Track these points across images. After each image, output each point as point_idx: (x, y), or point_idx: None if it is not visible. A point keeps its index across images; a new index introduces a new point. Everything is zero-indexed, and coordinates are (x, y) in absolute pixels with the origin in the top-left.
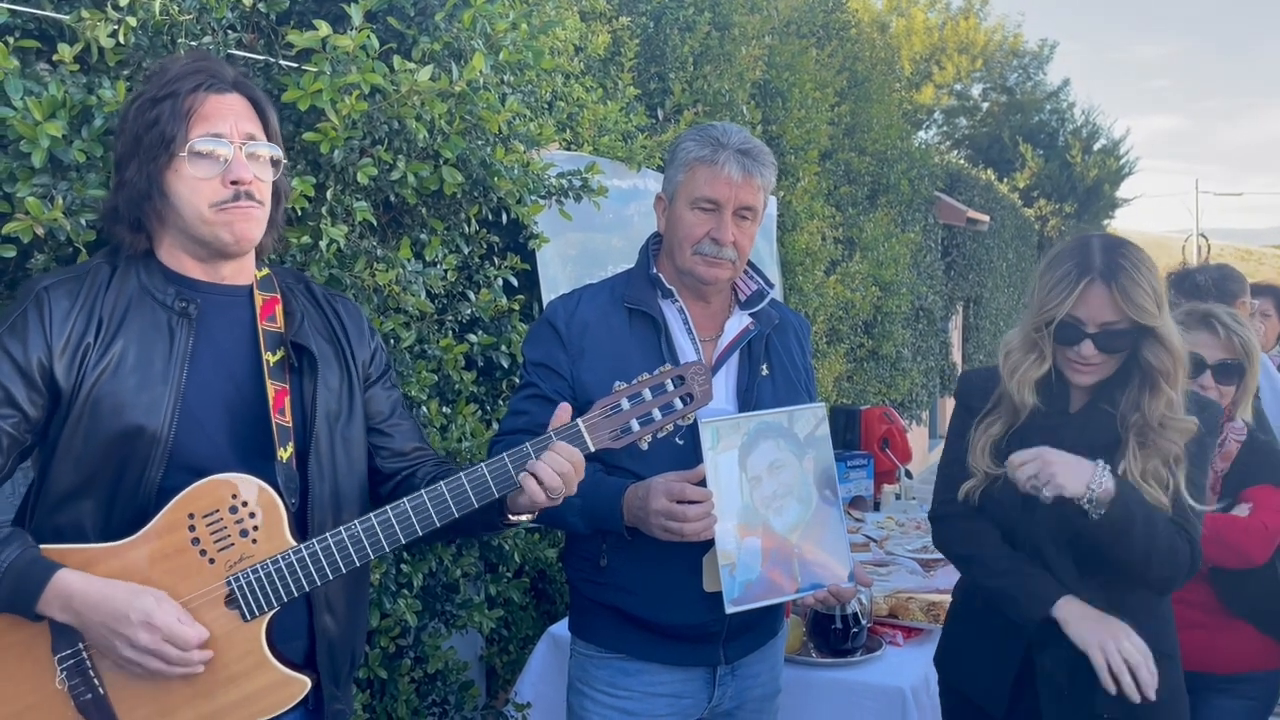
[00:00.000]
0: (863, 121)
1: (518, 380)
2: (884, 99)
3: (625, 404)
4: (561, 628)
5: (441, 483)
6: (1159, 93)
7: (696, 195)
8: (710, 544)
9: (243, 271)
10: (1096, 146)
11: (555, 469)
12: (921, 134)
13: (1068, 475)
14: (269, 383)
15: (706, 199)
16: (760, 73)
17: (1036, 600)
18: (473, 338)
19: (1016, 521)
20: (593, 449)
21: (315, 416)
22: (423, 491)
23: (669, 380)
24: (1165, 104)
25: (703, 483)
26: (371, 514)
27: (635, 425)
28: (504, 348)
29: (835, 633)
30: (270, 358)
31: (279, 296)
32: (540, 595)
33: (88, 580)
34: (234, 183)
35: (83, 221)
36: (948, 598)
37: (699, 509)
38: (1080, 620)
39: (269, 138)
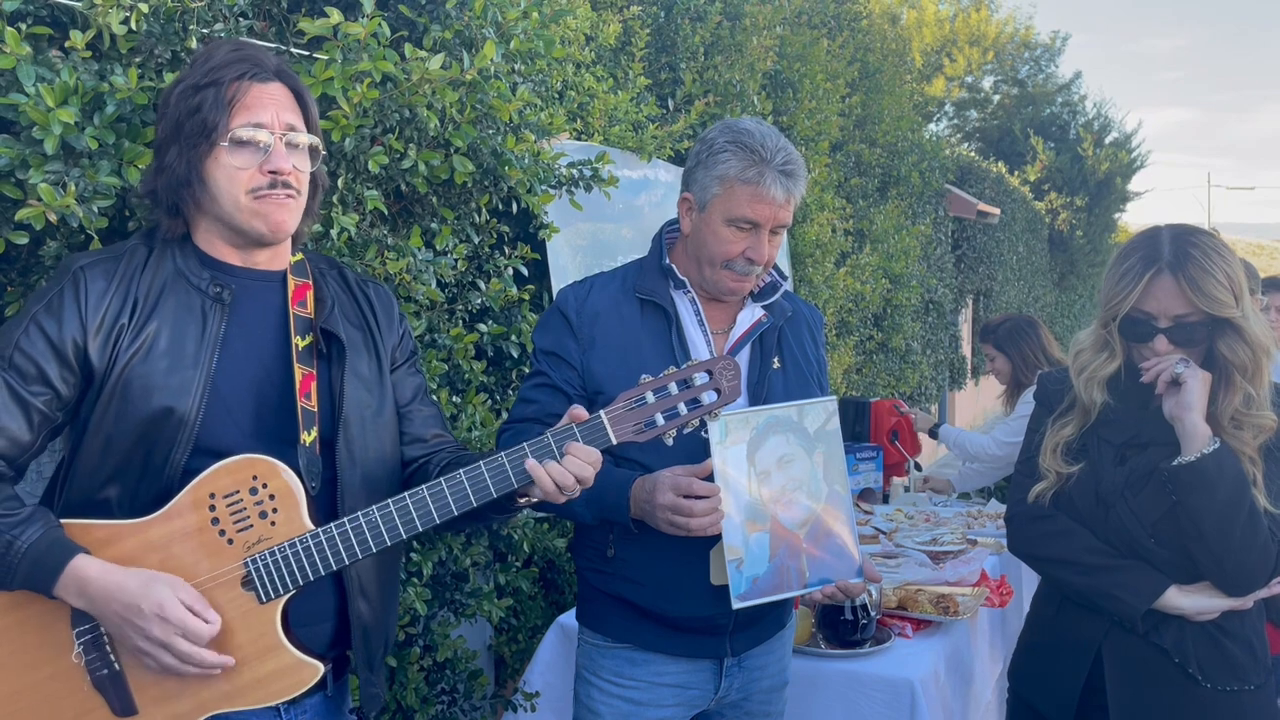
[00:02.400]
0: (873, 113)
1: (527, 370)
2: (895, 91)
3: (650, 397)
4: (570, 617)
5: (460, 471)
6: (1171, 85)
7: (736, 215)
8: (718, 537)
9: (278, 257)
10: (1108, 139)
11: (573, 471)
12: (932, 126)
13: (1198, 413)
14: (296, 367)
15: (746, 219)
16: (771, 63)
17: (1139, 594)
18: (483, 327)
19: (1094, 521)
20: (615, 442)
21: (344, 403)
22: (441, 480)
23: (696, 374)
24: (1177, 97)
25: (710, 477)
26: (390, 500)
27: (660, 419)
28: (514, 337)
29: (844, 624)
30: (299, 342)
31: (311, 282)
32: (549, 585)
33: (104, 569)
34: (272, 172)
35: (95, 208)
36: (957, 590)
37: (705, 504)
38: (1196, 593)
39: (309, 127)
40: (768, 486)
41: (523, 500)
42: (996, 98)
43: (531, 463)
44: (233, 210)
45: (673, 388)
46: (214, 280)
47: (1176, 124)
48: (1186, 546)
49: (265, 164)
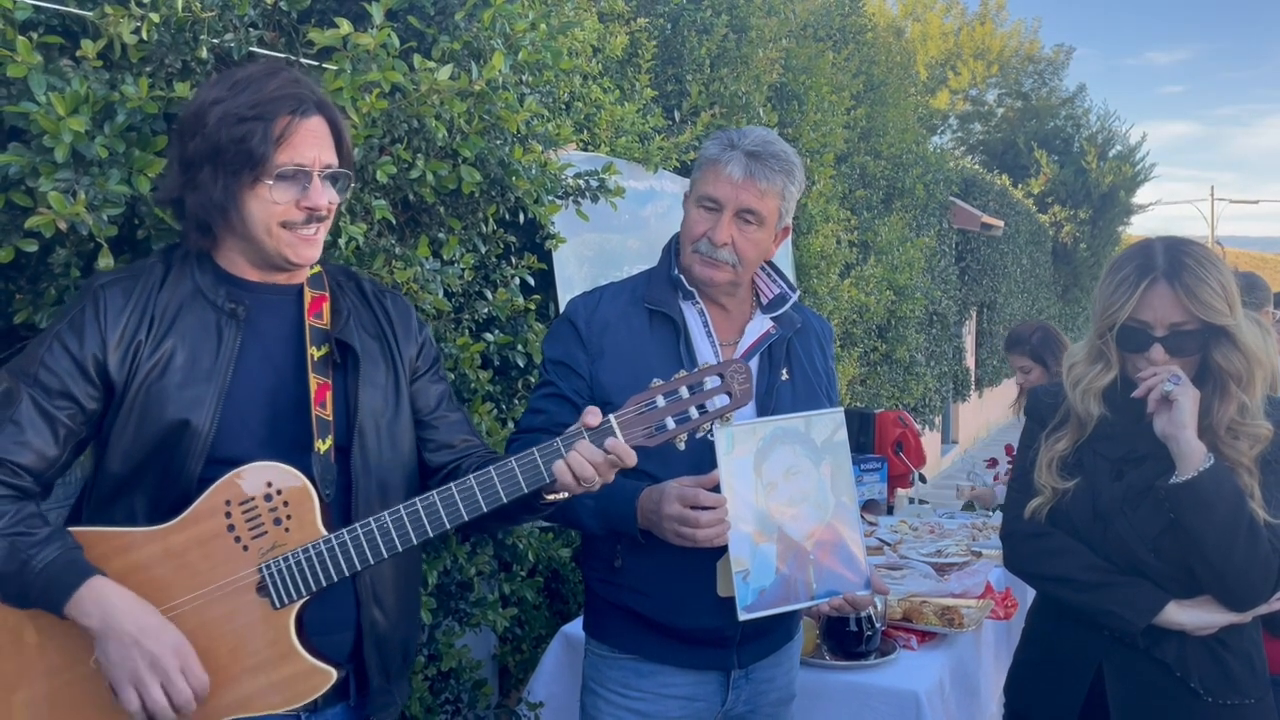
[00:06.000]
0: (878, 125)
1: (533, 379)
2: (900, 103)
3: (660, 401)
4: (574, 627)
5: (471, 476)
6: (1173, 99)
7: (701, 194)
8: (726, 548)
9: (296, 274)
10: (1112, 153)
11: (588, 457)
12: (936, 139)
13: (1191, 430)
14: (311, 376)
15: (709, 197)
16: (777, 75)
17: (1138, 610)
18: (489, 337)
19: (1092, 536)
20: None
21: (359, 412)
22: (452, 485)
23: (708, 378)
24: (1180, 110)
25: (717, 488)
26: (400, 506)
27: (671, 423)
28: (520, 347)
29: (849, 635)
30: (315, 352)
31: (328, 294)
32: (554, 594)
33: (125, 592)
34: (309, 208)
35: (104, 217)
36: (961, 602)
37: (712, 515)
38: (1195, 608)
39: (341, 160)
40: (775, 498)
41: (550, 496)
42: (1000, 111)
43: (547, 460)
44: (263, 237)
45: (683, 391)
46: (230, 296)
47: (1179, 138)
48: (1188, 561)
49: (303, 200)
